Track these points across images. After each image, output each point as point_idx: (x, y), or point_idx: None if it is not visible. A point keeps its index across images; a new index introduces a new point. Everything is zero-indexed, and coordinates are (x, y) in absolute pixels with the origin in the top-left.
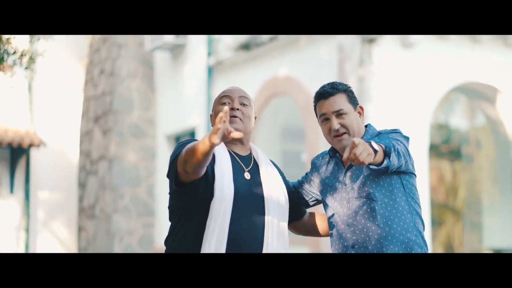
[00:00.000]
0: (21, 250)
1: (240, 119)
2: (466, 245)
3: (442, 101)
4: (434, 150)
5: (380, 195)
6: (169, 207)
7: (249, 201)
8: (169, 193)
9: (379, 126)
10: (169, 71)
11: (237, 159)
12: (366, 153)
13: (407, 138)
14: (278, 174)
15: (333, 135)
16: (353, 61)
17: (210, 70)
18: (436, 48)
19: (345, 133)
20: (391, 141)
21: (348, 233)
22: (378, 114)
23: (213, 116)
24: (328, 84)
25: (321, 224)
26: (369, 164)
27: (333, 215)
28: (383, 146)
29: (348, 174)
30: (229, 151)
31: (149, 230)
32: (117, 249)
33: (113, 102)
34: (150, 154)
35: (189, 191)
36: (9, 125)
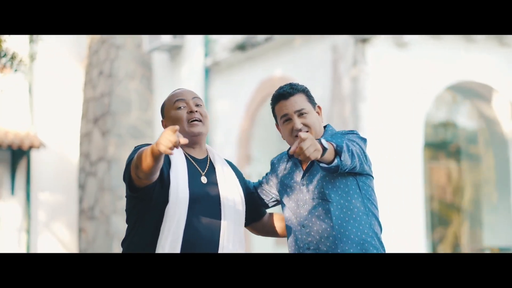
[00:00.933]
0: (22, 251)
1: (201, 120)
2: (468, 245)
3: (449, 100)
4: (442, 149)
5: (335, 196)
6: (126, 210)
7: (205, 205)
8: (126, 197)
9: (374, 126)
10: (167, 72)
11: (193, 163)
12: (313, 148)
13: (364, 140)
14: (235, 176)
15: (295, 134)
16: (347, 61)
17: (207, 71)
18: (430, 47)
19: (307, 131)
20: (343, 141)
21: (303, 234)
22: (372, 114)
23: (166, 122)
24: (285, 85)
25: (280, 225)
26: (319, 162)
27: (289, 215)
28: (334, 145)
29: (306, 175)
30: (185, 155)
31: None
32: (116, 250)
33: (111, 103)
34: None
35: (144, 196)
36: (9, 127)
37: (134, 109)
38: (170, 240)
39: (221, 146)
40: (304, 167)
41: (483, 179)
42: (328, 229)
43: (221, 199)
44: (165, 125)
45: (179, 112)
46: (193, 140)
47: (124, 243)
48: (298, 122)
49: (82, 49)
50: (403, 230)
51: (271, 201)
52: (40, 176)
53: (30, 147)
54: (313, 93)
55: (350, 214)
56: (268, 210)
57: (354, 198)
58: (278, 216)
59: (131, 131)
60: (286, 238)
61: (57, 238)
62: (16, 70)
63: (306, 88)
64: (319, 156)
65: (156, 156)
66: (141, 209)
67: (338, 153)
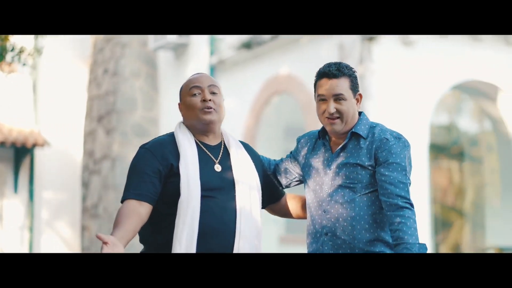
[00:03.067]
0: (25, 249)
1: (214, 109)
2: (470, 246)
3: (451, 102)
4: (444, 151)
5: (362, 187)
6: None
7: (220, 193)
8: None
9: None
10: (172, 71)
11: (206, 151)
12: None
13: (409, 147)
14: (250, 160)
15: (326, 116)
16: (354, 59)
17: (213, 69)
18: (436, 46)
19: (338, 117)
20: (415, 229)
21: (323, 219)
22: (378, 112)
23: (182, 107)
24: (334, 64)
25: (298, 206)
26: None
27: (311, 197)
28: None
29: (335, 159)
30: (197, 143)
31: None
32: None
33: (116, 101)
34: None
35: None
36: (13, 125)
37: (139, 108)
38: (186, 232)
39: None
40: (334, 150)
41: (485, 182)
42: (349, 218)
43: (236, 186)
44: (181, 108)
45: (193, 99)
46: (205, 128)
47: (140, 231)
48: (332, 107)
49: (86, 47)
50: None
51: (294, 180)
52: (43, 174)
53: (34, 145)
54: None
55: (374, 209)
56: (289, 190)
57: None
58: (297, 197)
59: (135, 129)
60: (298, 220)
61: (60, 236)
62: (24, 64)
63: (354, 73)
64: None
65: None
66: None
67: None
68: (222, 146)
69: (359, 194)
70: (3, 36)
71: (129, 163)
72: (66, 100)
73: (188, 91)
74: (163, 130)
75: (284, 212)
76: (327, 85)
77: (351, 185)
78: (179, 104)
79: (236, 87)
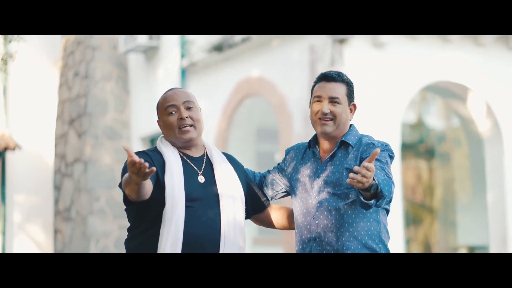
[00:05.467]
0: None
1: (192, 125)
2: (441, 244)
3: (418, 100)
4: (412, 149)
5: (349, 194)
6: (125, 210)
7: (204, 204)
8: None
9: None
10: (143, 73)
11: (190, 162)
12: (369, 181)
13: (393, 157)
14: (233, 171)
15: (319, 117)
16: (325, 61)
17: (184, 72)
18: (406, 47)
19: (331, 119)
20: (391, 184)
21: (312, 225)
22: None
23: (161, 124)
24: (335, 71)
25: (283, 217)
26: (360, 192)
27: (300, 205)
28: (382, 191)
29: (324, 168)
30: (181, 155)
31: (125, 232)
32: (93, 251)
33: (87, 104)
34: (125, 156)
35: (140, 205)
36: None
37: (110, 110)
38: (170, 242)
39: None
40: (323, 160)
41: (455, 179)
42: (338, 225)
43: (220, 197)
44: (160, 125)
45: (170, 118)
46: (186, 144)
47: (126, 242)
48: (326, 107)
49: (56, 51)
50: None
51: (280, 192)
52: (15, 177)
53: (5, 149)
54: (291, 93)
55: (361, 217)
56: (274, 202)
57: None
58: (282, 208)
59: (107, 132)
60: (285, 231)
61: (33, 240)
62: None
63: (352, 83)
64: (367, 185)
65: (136, 182)
66: (140, 212)
67: (378, 197)
68: (205, 158)
69: (347, 202)
70: None
71: (101, 166)
72: (36, 103)
73: (164, 110)
74: (135, 133)
75: (268, 223)
76: (325, 87)
77: (339, 192)
78: (157, 121)
79: (207, 89)
